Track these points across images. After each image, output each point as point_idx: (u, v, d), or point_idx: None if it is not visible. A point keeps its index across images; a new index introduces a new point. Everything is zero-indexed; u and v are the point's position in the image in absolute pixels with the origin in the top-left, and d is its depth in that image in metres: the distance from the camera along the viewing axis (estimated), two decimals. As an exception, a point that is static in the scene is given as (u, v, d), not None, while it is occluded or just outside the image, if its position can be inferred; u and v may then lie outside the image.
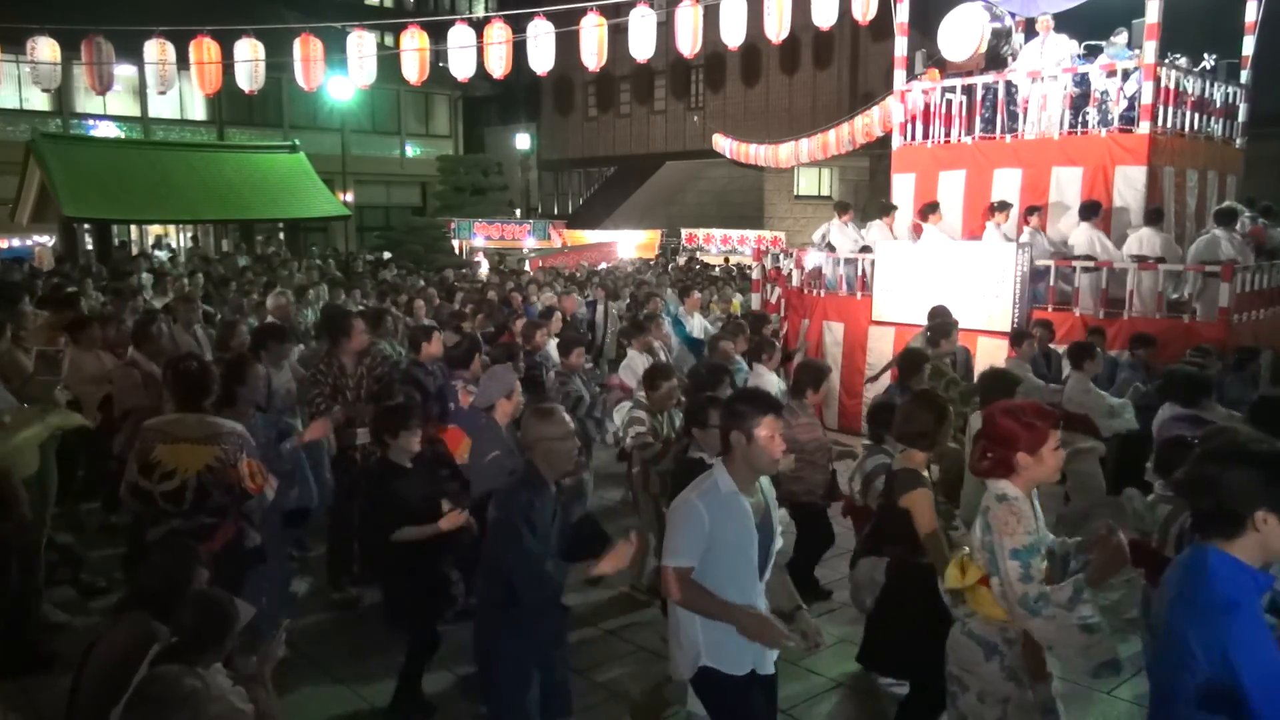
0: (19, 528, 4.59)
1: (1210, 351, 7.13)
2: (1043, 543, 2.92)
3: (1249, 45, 11.01)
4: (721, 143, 18.91)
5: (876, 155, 21.38)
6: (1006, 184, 10.14)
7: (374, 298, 11.35)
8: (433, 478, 4.55)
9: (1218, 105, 10.58)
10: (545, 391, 6.08)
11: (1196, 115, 10.20)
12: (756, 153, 17.68)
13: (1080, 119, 9.78)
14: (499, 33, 12.20)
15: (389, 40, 18.13)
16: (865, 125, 14.46)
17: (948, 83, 10.73)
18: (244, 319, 8.55)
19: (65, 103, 24.49)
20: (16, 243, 22.23)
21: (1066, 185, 9.87)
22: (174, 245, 25.06)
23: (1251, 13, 10.91)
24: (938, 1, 11.24)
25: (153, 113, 26.11)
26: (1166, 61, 9.52)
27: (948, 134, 10.73)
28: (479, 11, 34.78)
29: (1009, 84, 10.30)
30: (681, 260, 22.76)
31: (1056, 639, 2.85)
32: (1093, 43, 10.43)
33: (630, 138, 32.01)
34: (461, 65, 12.20)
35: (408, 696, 4.23)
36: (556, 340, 7.51)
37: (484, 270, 20.47)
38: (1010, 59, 10.74)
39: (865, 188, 24.36)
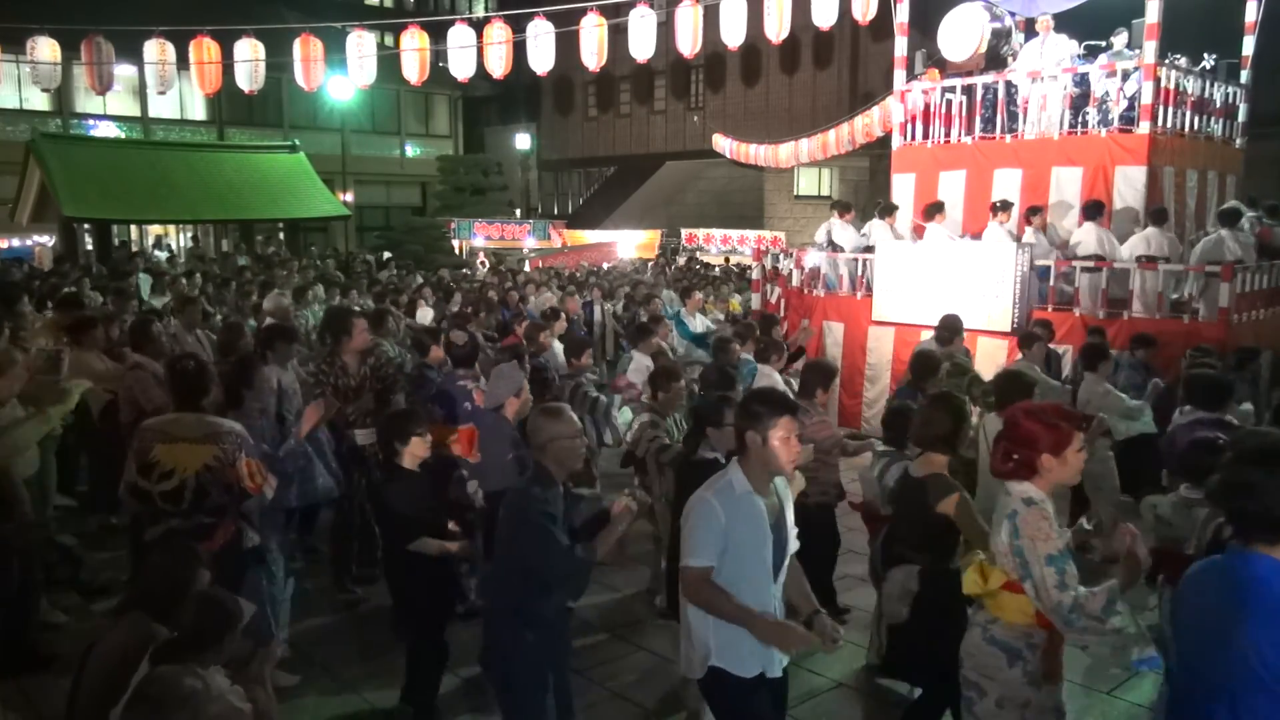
0: (20, 528, 4.59)
1: (1211, 351, 7.13)
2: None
3: (1249, 45, 11.02)
4: (721, 143, 18.92)
5: (876, 155, 21.37)
6: (1006, 184, 10.14)
7: (371, 298, 11.30)
8: (442, 481, 4.53)
9: (1218, 105, 10.59)
10: (552, 392, 6.04)
11: (1196, 115, 10.20)
12: (756, 153, 17.69)
13: (1080, 119, 9.79)
14: (499, 33, 12.20)
15: (389, 40, 18.13)
16: (865, 125, 14.47)
17: (948, 83, 10.74)
18: (244, 320, 8.55)
19: (65, 103, 24.49)
20: (16, 243, 22.25)
21: (1066, 185, 9.87)
22: (174, 245, 25.07)
23: (1251, 13, 10.91)
24: (938, 1, 11.24)
25: (153, 113, 26.12)
26: (1166, 61, 9.52)
27: (948, 134, 10.74)
28: (479, 11, 34.78)
29: (1009, 84, 10.30)
30: (682, 260, 22.77)
31: (1092, 641, 2.87)
32: (1093, 43, 10.44)
33: (630, 138, 32.01)
34: (461, 65, 12.20)
35: (425, 709, 4.19)
36: (558, 341, 7.53)
37: (483, 271, 20.47)
38: (1010, 59, 10.75)
39: (865, 188, 24.36)
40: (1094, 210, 9.05)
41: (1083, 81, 9.79)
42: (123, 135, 25.45)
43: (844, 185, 25.67)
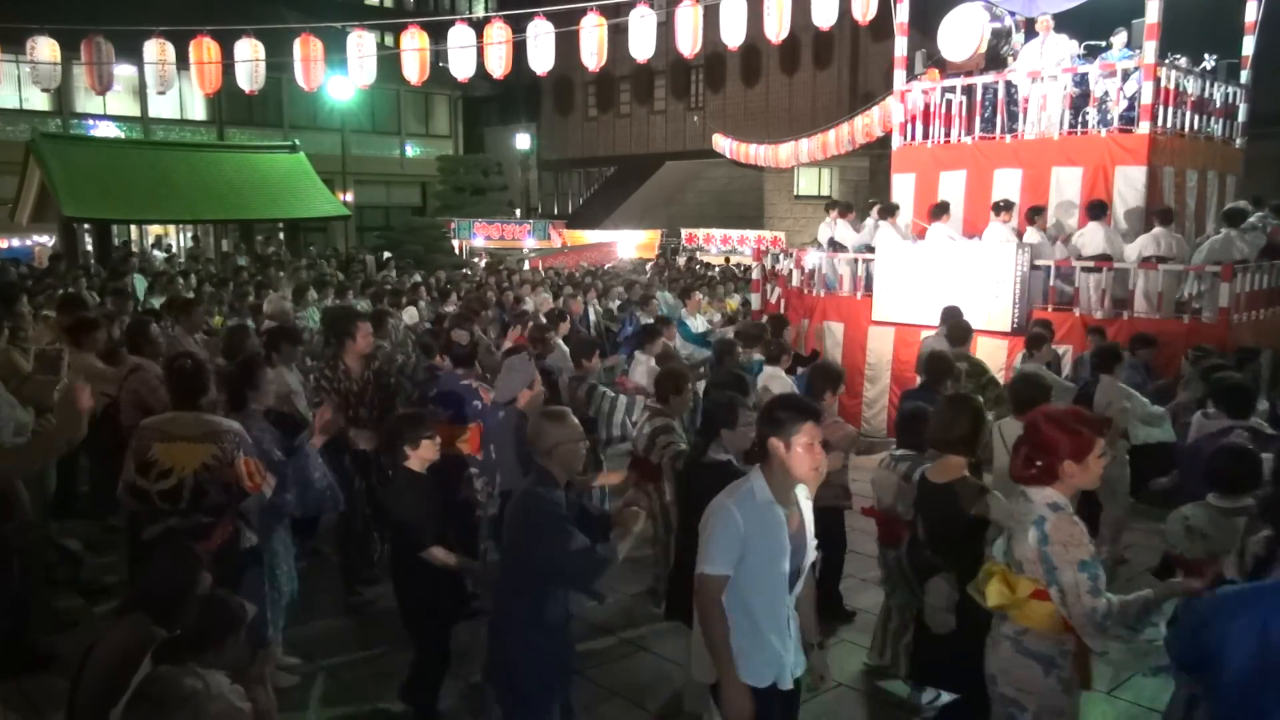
0: (20, 528, 4.58)
1: (1211, 351, 7.14)
2: None
3: (1249, 45, 11.02)
4: (721, 143, 18.93)
5: (876, 155, 21.37)
6: (1007, 184, 10.14)
7: (368, 299, 11.25)
8: (452, 481, 4.51)
9: (1218, 105, 10.58)
10: (559, 394, 6.01)
11: (1196, 115, 10.20)
12: (756, 153, 17.69)
13: (1080, 119, 9.79)
14: (499, 33, 12.20)
15: (389, 40, 18.14)
16: (865, 125, 14.48)
17: (948, 83, 10.74)
18: (243, 320, 8.55)
19: (65, 103, 24.48)
20: (16, 243, 22.24)
21: (1066, 185, 9.87)
22: (173, 245, 25.06)
23: (1251, 13, 10.91)
24: (938, 1, 11.24)
25: (153, 113, 26.10)
26: (1166, 62, 9.52)
27: (948, 134, 10.74)
28: (479, 11, 34.78)
29: (1009, 84, 10.30)
30: (682, 260, 22.77)
31: (1113, 647, 2.87)
32: (1093, 43, 10.44)
33: (630, 138, 32.00)
34: (461, 65, 12.20)
35: (426, 712, 4.18)
36: (563, 343, 7.48)
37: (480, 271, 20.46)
38: (1010, 59, 10.75)
39: (865, 188, 24.34)
40: (1098, 210, 9.04)
41: (1083, 81, 9.79)
42: (123, 135, 25.45)
43: (844, 185, 25.67)
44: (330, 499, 4.50)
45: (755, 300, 11.56)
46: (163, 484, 3.91)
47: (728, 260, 22.77)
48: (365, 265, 19.49)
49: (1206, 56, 10.56)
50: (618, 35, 12.04)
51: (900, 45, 11.15)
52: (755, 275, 11.96)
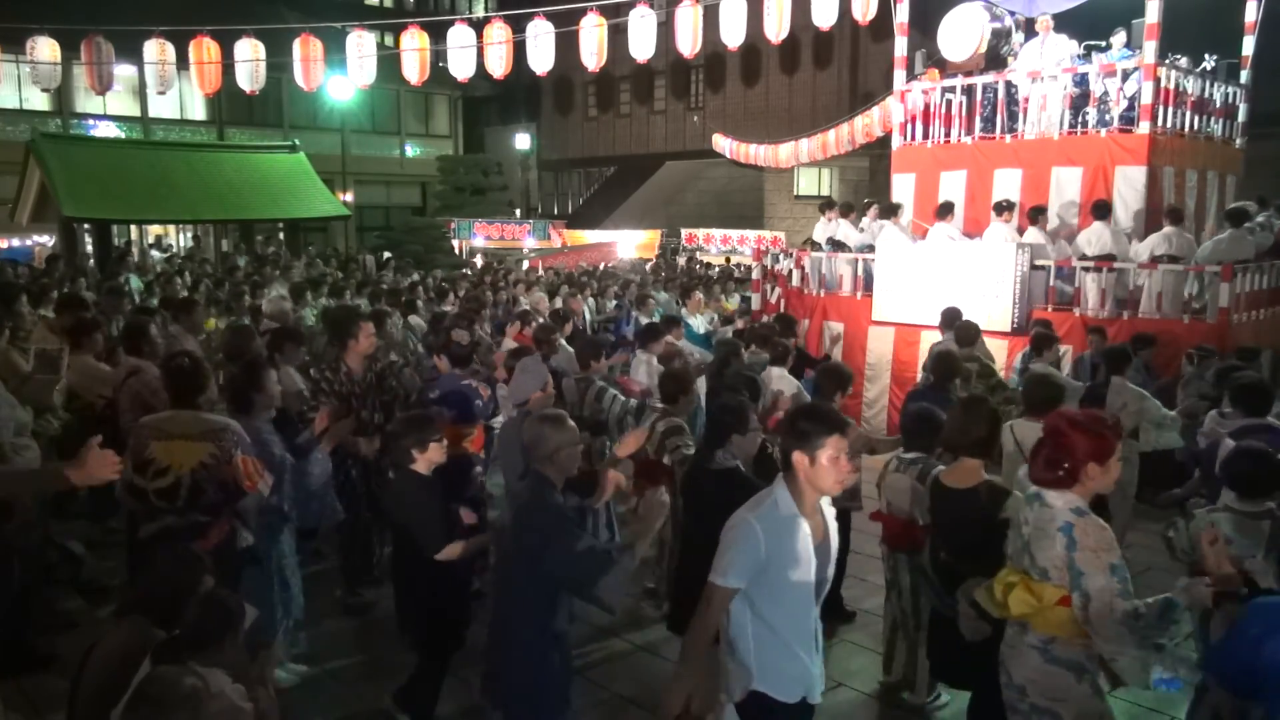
0: (20, 528, 4.58)
1: (1212, 351, 7.14)
2: None
3: (1249, 45, 11.02)
4: (721, 143, 18.93)
5: (876, 155, 21.37)
6: (1007, 184, 10.15)
7: (366, 299, 11.23)
8: (460, 480, 4.48)
9: (1218, 105, 10.59)
10: (563, 395, 5.97)
11: (1196, 115, 10.20)
12: (756, 153, 17.69)
13: (1080, 119, 9.79)
14: (499, 33, 12.21)
15: (389, 40, 18.14)
16: (865, 125, 14.48)
17: (948, 83, 10.74)
18: (240, 320, 8.54)
19: (65, 103, 24.49)
20: (16, 242, 22.24)
21: (1066, 185, 9.88)
22: (174, 245, 25.06)
23: (1251, 13, 10.91)
24: (938, 1, 11.24)
25: (153, 113, 26.11)
26: (1166, 62, 9.52)
27: (948, 134, 10.74)
28: (479, 11, 34.78)
29: (1009, 84, 10.30)
30: (682, 260, 22.76)
31: (1119, 654, 2.86)
32: (1092, 43, 10.44)
33: (630, 138, 32.00)
34: (461, 65, 12.21)
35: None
36: (566, 344, 7.46)
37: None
38: (1010, 59, 10.75)
39: (865, 188, 24.33)
40: (1103, 210, 9.04)
41: (1083, 81, 9.79)
42: (123, 135, 25.46)
43: (844, 185, 25.66)
44: (330, 510, 4.48)
45: (755, 300, 11.56)
46: (160, 482, 3.90)
47: (728, 260, 22.77)
48: (364, 265, 19.48)
49: (1206, 56, 10.56)
50: (618, 35, 12.04)
51: (900, 45, 11.16)
52: (755, 275, 11.96)
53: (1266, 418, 4.84)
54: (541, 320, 8.60)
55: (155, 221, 24.72)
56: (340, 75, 14.61)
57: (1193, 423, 6.68)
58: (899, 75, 11.24)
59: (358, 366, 5.56)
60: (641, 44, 11.70)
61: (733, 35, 11.22)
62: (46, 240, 21.92)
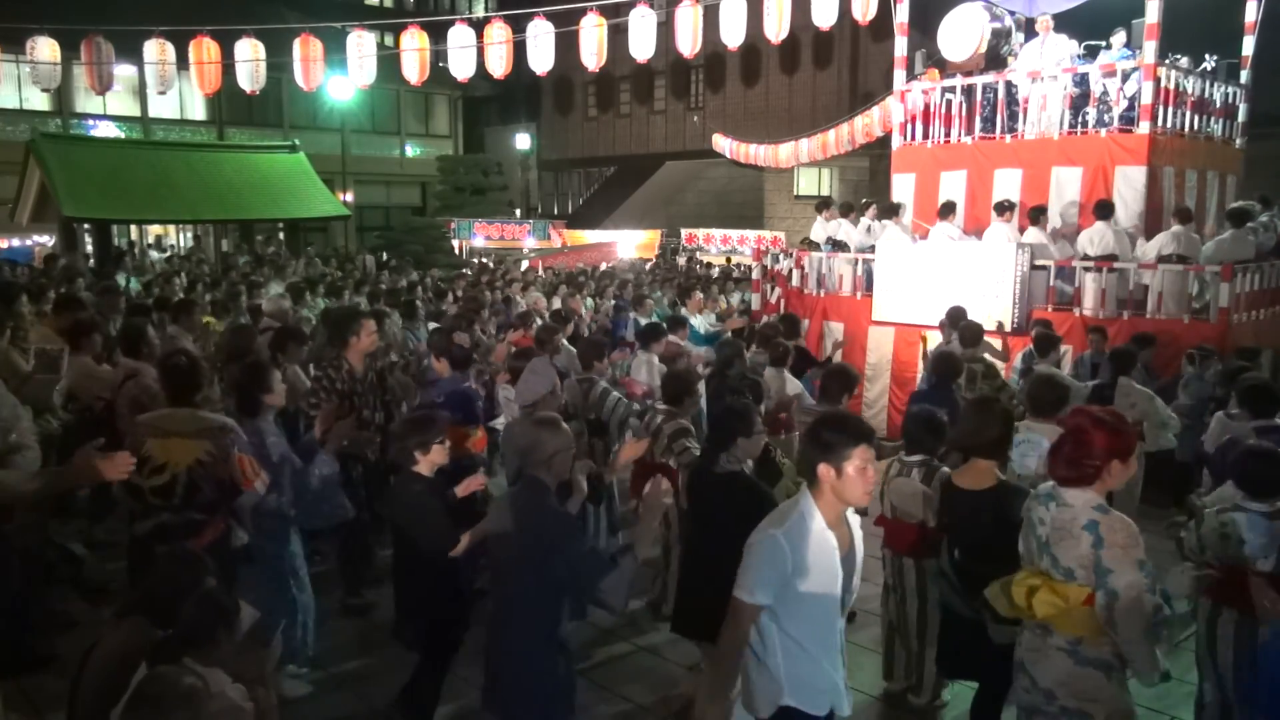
0: (20, 528, 4.58)
1: (1212, 352, 7.13)
2: None
3: (1249, 45, 11.02)
4: (721, 143, 18.92)
5: (876, 155, 21.37)
6: (1007, 184, 10.15)
7: (365, 299, 11.20)
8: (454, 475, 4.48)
9: (1217, 105, 10.59)
10: (568, 395, 5.95)
11: (1196, 115, 10.20)
12: (756, 153, 17.69)
13: (1080, 119, 9.79)
14: (499, 33, 12.20)
15: (389, 40, 18.12)
16: (865, 125, 14.48)
17: (948, 83, 10.74)
18: (238, 320, 8.53)
19: (65, 103, 24.47)
20: (16, 242, 22.23)
21: (1066, 185, 9.88)
22: (174, 245, 25.05)
23: (1251, 13, 10.91)
24: (938, 1, 11.24)
25: (153, 113, 26.09)
26: (1166, 62, 9.52)
27: (948, 134, 10.74)
28: (479, 11, 34.77)
29: (1009, 84, 10.31)
30: (682, 260, 22.75)
31: (1140, 651, 2.86)
32: (1093, 43, 10.44)
33: (630, 138, 32.00)
34: (461, 65, 12.20)
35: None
36: (568, 344, 7.46)
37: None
38: (1010, 59, 10.75)
39: (865, 188, 24.33)
40: (1105, 210, 9.04)
41: (1083, 81, 9.79)
42: (123, 135, 25.44)
43: (844, 185, 25.67)
44: (340, 510, 4.47)
45: (755, 300, 11.56)
46: (156, 480, 3.90)
47: (728, 260, 22.77)
48: (363, 265, 19.46)
49: (1206, 56, 10.56)
50: (618, 35, 12.04)
51: (900, 45, 11.16)
52: (755, 275, 11.95)
53: (1274, 418, 4.83)
54: (541, 321, 8.61)
55: (155, 221, 24.72)
56: (340, 75, 14.61)
57: (1193, 423, 6.69)
58: (899, 75, 11.25)
59: (359, 365, 5.56)
60: (641, 44, 11.70)
61: (733, 35, 11.22)
62: (46, 240, 21.91)
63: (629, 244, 26.45)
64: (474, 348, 6.78)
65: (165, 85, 12.93)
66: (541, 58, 12.00)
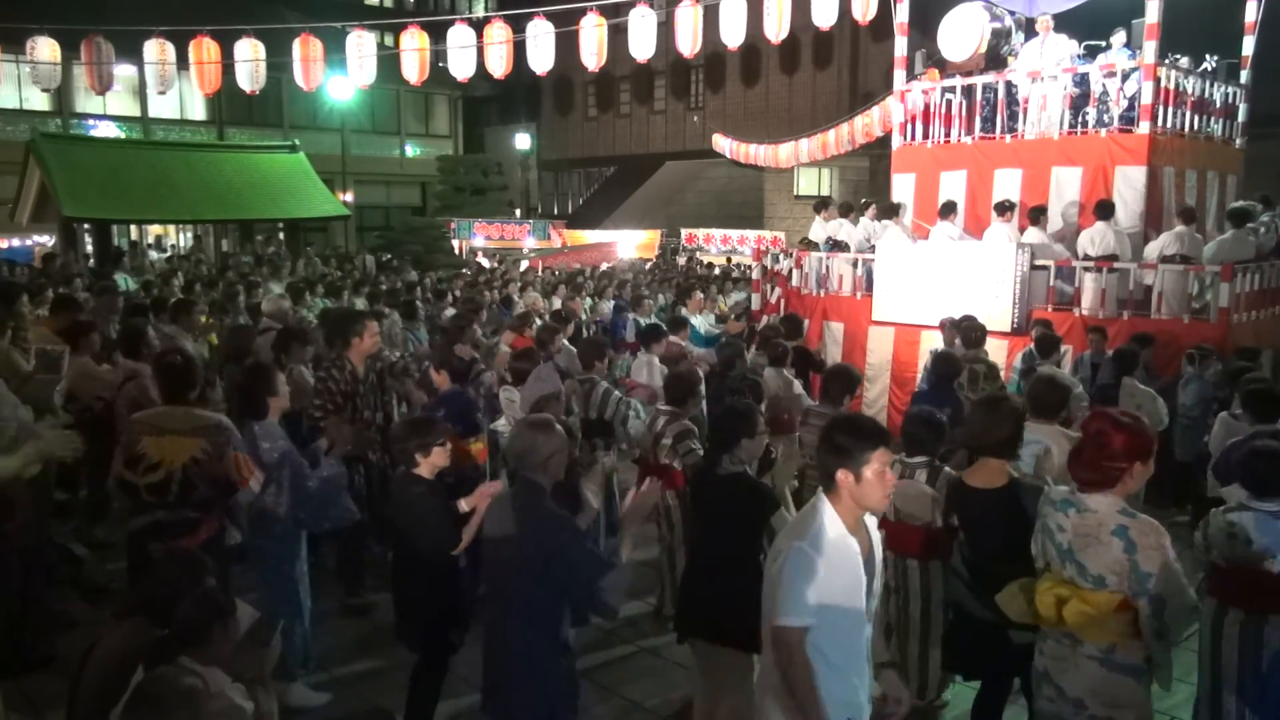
0: (21, 528, 4.58)
1: (1212, 352, 7.13)
2: None
3: (1249, 45, 11.01)
4: (721, 143, 18.92)
5: (876, 155, 21.37)
6: (1007, 184, 10.14)
7: (364, 299, 11.19)
8: (462, 494, 4.48)
9: (1217, 105, 10.58)
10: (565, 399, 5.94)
11: (1196, 115, 10.19)
12: (756, 153, 17.69)
13: (1080, 119, 9.78)
14: (499, 33, 12.19)
15: (389, 40, 18.11)
16: (865, 125, 14.47)
17: (948, 83, 10.73)
18: (236, 320, 8.53)
19: (65, 103, 24.46)
20: (16, 243, 22.23)
21: (1066, 185, 9.87)
22: (175, 245, 25.03)
23: (1251, 13, 10.90)
24: (938, 1, 11.24)
25: (153, 113, 26.08)
26: (1166, 62, 9.52)
27: (948, 134, 10.73)
28: (479, 11, 34.76)
29: (1009, 84, 10.30)
30: (682, 260, 22.74)
31: (1167, 653, 2.88)
32: (1093, 43, 10.43)
33: (630, 138, 32.00)
34: (461, 65, 12.19)
35: None
36: (569, 344, 7.45)
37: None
38: (1010, 59, 10.74)
39: (865, 188, 24.34)
40: (1106, 210, 9.03)
41: (1083, 81, 9.79)
42: (123, 135, 25.43)
43: (844, 185, 25.67)
44: (347, 513, 4.46)
45: (755, 300, 11.56)
46: (151, 477, 3.91)
47: (728, 260, 22.77)
48: (363, 265, 19.44)
49: (1207, 57, 10.55)
50: (618, 35, 12.03)
51: (900, 45, 11.15)
52: (755, 275, 11.95)
53: (1277, 423, 4.82)
54: (541, 320, 8.61)
55: (155, 221, 24.71)
56: (340, 75, 14.59)
57: (1194, 423, 6.68)
58: (899, 75, 11.24)
59: (360, 365, 5.55)
60: (641, 44, 11.69)
61: (733, 35, 11.21)
62: (46, 240, 21.90)
63: (629, 244, 26.45)
64: (474, 361, 6.71)
65: (165, 85, 12.92)
66: (541, 58, 11.99)
